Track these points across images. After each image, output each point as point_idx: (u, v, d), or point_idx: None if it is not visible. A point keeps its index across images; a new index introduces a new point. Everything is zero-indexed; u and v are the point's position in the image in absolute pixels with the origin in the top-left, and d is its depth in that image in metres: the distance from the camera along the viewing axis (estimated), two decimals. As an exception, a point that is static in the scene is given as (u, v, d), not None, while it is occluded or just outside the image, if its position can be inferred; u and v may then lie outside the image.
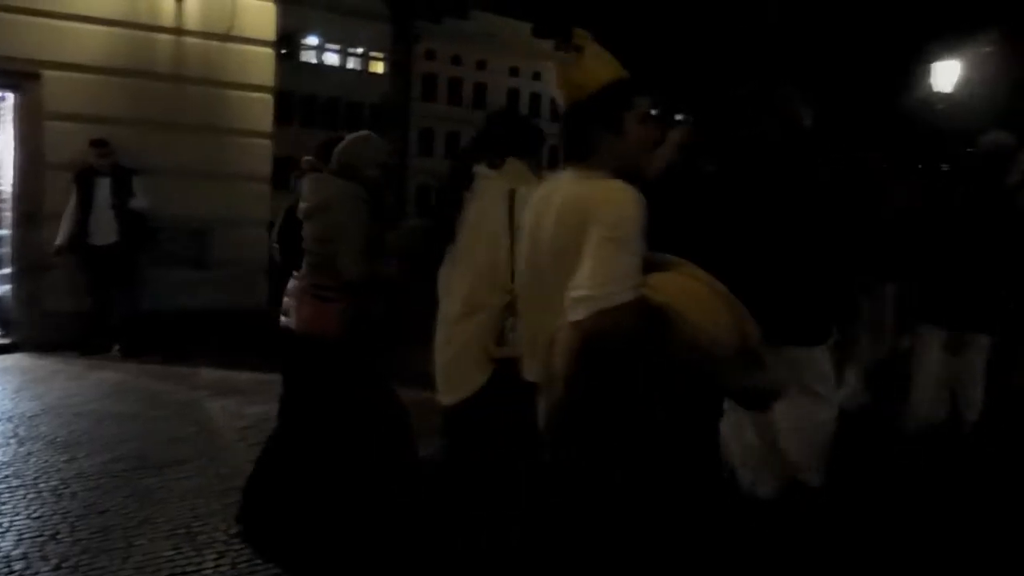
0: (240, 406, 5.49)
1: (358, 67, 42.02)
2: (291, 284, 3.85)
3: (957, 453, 4.29)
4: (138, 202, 6.99)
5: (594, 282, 1.86)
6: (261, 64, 8.16)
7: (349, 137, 3.78)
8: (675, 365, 1.95)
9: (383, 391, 3.71)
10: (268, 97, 8.24)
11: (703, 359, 1.95)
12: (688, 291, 1.97)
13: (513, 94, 50.86)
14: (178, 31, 7.67)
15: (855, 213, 3.66)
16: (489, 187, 2.87)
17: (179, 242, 7.69)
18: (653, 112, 2.19)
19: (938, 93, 15.67)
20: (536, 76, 51.58)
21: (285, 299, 3.95)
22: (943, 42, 16.12)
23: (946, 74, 15.56)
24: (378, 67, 42.43)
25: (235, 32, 7.88)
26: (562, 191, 2.06)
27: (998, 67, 17.71)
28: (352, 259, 3.50)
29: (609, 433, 1.96)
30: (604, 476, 1.97)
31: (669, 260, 2.05)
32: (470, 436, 2.90)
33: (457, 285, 2.87)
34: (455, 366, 2.87)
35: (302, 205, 3.72)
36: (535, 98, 51.76)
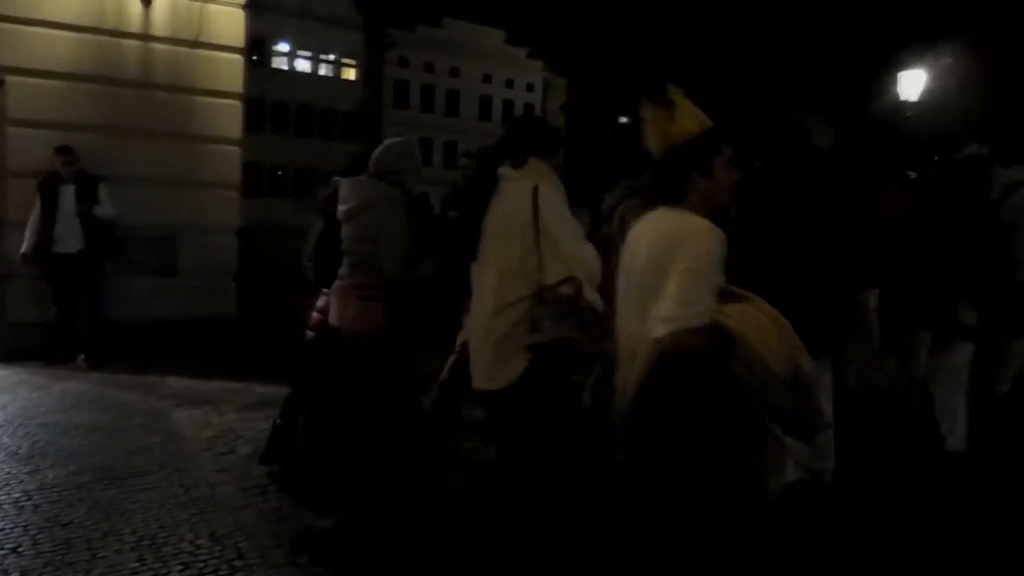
0: (207, 416, 5.43)
1: (330, 74, 41.83)
2: (333, 285, 4.00)
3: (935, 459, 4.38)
4: (104, 210, 6.89)
5: (675, 306, 2.14)
6: (230, 70, 8.10)
7: (385, 143, 3.99)
8: (733, 386, 2.19)
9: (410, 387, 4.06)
10: (237, 104, 8.18)
11: (760, 384, 2.17)
12: (755, 322, 2.22)
13: (486, 101, 50.98)
14: (145, 37, 7.59)
15: (854, 220, 3.77)
16: (514, 186, 3.03)
17: (146, 250, 7.58)
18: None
19: (906, 101, 15.93)
20: (509, 83, 51.74)
21: (323, 300, 4.16)
22: (910, 51, 16.38)
23: (912, 82, 15.82)
24: (351, 74, 42.33)
25: (203, 38, 7.82)
26: (654, 226, 2.37)
27: (962, 76, 18.05)
28: (392, 258, 3.71)
29: (666, 438, 2.25)
30: (658, 476, 2.31)
31: (742, 293, 2.31)
32: (512, 422, 3.05)
33: (487, 280, 3.00)
34: (495, 356, 3.00)
35: (341, 208, 3.86)
36: (508, 105, 51.93)
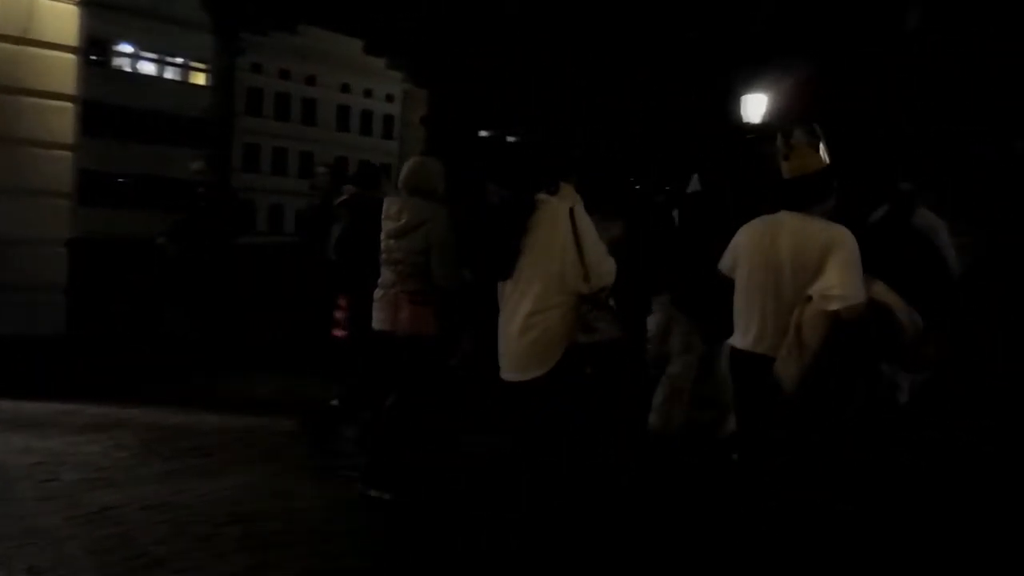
0: (30, 440, 5.01)
1: (178, 78, 39.95)
2: (378, 293, 4.41)
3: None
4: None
5: (843, 286, 3.03)
6: (62, 70, 7.56)
7: (412, 161, 4.50)
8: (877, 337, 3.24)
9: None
10: (69, 106, 7.65)
11: (897, 335, 3.21)
12: (892, 295, 3.24)
13: (343, 111, 50.15)
14: (-35, 31, 7.00)
15: None
16: (551, 209, 3.43)
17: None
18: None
19: (748, 123, 16.89)
20: (368, 93, 51.11)
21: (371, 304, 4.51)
22: (754, 75, 17.34)
23: (755, 105, 16.79)
24: (200, 78, 40.57)
25: (32, 35, 7.28)
26: (795, 227, 3.25)
27: (801, 101, 19.30)
28: (443, 268, 4.22)
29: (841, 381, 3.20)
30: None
31: (870, 278, 3.18)
32: (544, 405, 3.42)
33: (527, 288, 3.40)
34: (533, 350, 3.39)
35: (392, 225, 4.29)
36: (366, 115, 51.30)
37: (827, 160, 3.34)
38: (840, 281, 3.02)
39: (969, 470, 4.72)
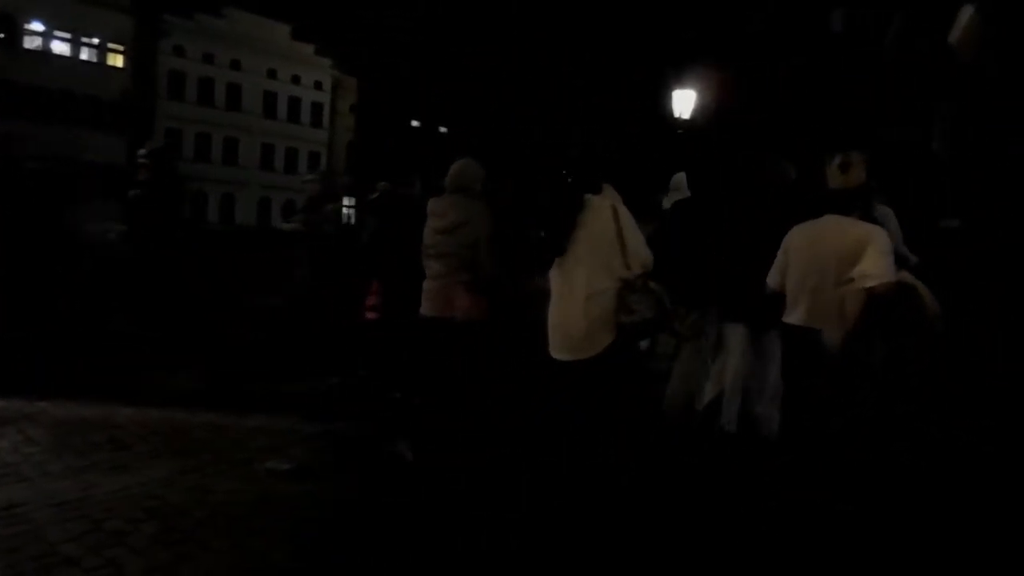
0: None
1: (94, 59, 38.38)
2: (429, 284, 4.79)
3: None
4: None
5: (877, 268, 3.86)
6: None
7: (457, 164, 4.86)
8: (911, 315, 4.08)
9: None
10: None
11: (920, 310, 4.06)
12: (918, 283, 4.13)
13: (270, 97, 49.08)
14: None
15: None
16: (597, 207, 3.96)
17: None
18: None
19: (678, 119, 17.16)
20: (295, 80, 50.12)
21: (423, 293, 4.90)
22: (683, 71, 17.60)
23: (684, 101, 17.07)
24: (118, 60, 39.12)
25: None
26: (840, 228, 4.06)
27: (723, 97, 19.69)
28: (490, 260, 4.65)
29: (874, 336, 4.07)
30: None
31: (899, 268, 4.12)
32: (600, 380, 3.91)
33: (577, 277, 3.92)
34: (589, 332, 3.88)
35: (441, 222, 4.70)
36: (294, 102, 50.33)
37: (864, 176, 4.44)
38: (875, 264, 3.85)
39: (969, 470, 4.76)
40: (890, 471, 4.52)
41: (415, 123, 49.76)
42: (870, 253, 3.88)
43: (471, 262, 4.65)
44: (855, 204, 4.15)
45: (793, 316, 4.16)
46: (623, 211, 3.96)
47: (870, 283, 3.83)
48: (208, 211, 44.56)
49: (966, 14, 9.23)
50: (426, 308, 4.80)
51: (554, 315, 4.03)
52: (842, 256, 3.95)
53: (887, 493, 4.25)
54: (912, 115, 11.98)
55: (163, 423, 5.23)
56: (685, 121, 17.14)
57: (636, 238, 3.94)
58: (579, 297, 3.89)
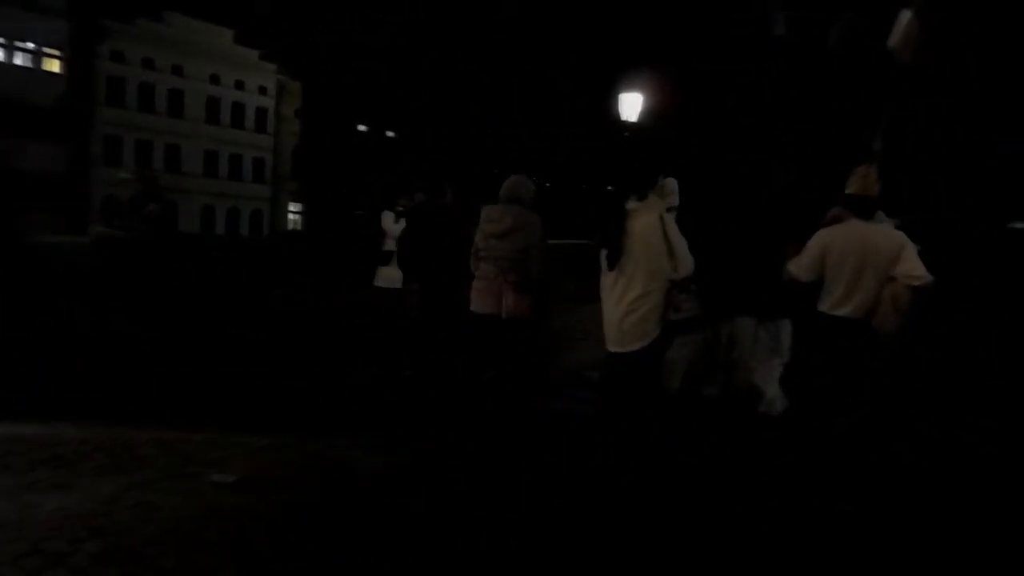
0: None
1: (29, 64, 37.21)
2: (479, 283, 5.29)
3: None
4: None
5: (921, 269, 4.37)
6: None
7: (512, 178, 5.38)
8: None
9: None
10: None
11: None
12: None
13: (213, 103, 48.13)
14: None
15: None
16: (644, 214, 4.37)
17: None
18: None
19: (625, 121, 17.27)
20: (239, 85, 49.27)
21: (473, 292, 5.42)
22: (630, 74, 17.71)
23: (631, 104, 17.19)
24: (54, 66, 38.01)
25: None
26: (869, 231, 4.57)
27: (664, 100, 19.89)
28: (539, 264, 5.17)
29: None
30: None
31: None
32: (647, 368, 4.41)
33: (630, 279, 4.34)
34: (639, 326, 4.32)
35: (493, 227, 5.19)
36: (238, 108, 49.45)
37: None
38: (917, 266, 4.40)
39: (969, 470, 4.82)
40: (890, 471, 4.56)
41: (361, 127, 49.32)
42: (908, 256, 4.42)
43: (521, 265, 5.14)
44: (874, 211, 4.62)
45: (844, 309, 4.55)
46: (669, 219, 4.38)
47: (916, 282, 4.37)
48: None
49: (904, 18, 9.52)
50: (476, 305, 5.30)
51: (605, 312, 4.46)
52: (879, 258, 4.46)
53: (887, 493, 4.29)
54: (859, 116, 12.24)
55: (106, 439, 5.06)
56: (630, 123, 17.28)
57: (682, 245, 4.34)
58: (629, 297, 4.32)
